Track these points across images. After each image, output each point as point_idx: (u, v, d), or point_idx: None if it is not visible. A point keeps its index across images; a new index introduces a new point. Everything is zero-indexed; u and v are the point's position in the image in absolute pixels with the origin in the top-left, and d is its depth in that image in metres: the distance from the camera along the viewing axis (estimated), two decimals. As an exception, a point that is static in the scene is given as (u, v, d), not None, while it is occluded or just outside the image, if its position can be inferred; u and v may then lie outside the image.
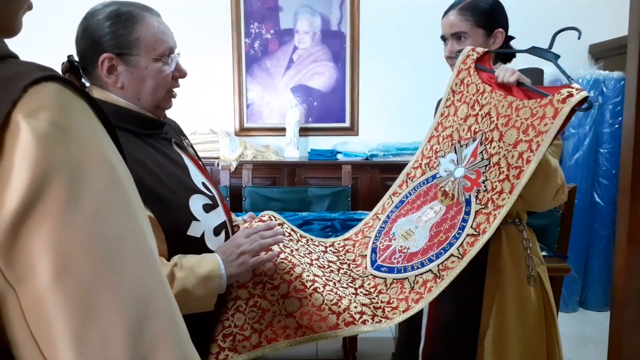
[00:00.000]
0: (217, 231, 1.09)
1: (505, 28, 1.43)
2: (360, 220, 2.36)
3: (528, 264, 1.34)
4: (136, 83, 1.04)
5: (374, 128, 3.46)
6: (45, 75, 0.41)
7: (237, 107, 3.48)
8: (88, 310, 0.38)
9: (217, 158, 3.19)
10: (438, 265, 1.15)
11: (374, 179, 3.15)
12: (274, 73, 3.46)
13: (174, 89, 1.12)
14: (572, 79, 1.19)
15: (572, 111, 1.10)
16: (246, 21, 3.40)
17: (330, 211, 2.69)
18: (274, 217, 1.27)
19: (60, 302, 0.37)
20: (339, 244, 1.40)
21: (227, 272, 1.01)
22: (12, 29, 0.47)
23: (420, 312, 1.43)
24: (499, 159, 1.19)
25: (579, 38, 1.23)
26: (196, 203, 1.06)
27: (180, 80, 1.13)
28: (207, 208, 1.08)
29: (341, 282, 1.22)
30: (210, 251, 1.06)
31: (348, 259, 1.34)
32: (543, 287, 1.37)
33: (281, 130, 3.40)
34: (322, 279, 1.16)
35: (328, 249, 1.36)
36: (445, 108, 1.41)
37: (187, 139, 1.28)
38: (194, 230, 1.03)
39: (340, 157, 3.26)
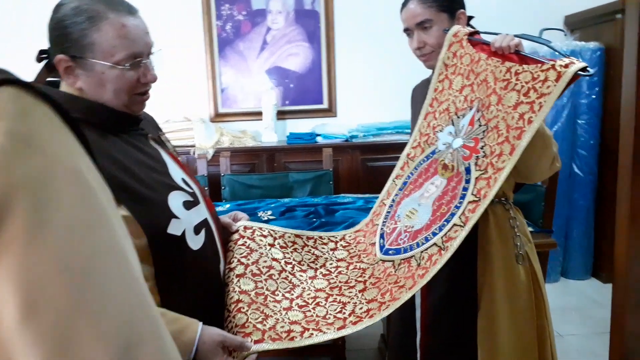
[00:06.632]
0: (197, 229, 1.05)
1: (464, 7, 1.43)
2: (344, 203, 2.35)
3: (516, 242, 1.33)
4: (94, 87, 0.97)
5: (353, 109, 3.41)
6: None
7: (211, 92, 3.38)
8: (65, 348, 0.33)
9: (193, 146, 3.10)
10: (442, 237, 1.14)
11: (355, 160, 3.11)
12: (248, 55, 3.36)
13: (145, 92, 1.03)
14: (568, 55, 1.16)
15: (574, 78, 1.08)
16: (217, 2, 3.28)
17: (313, 196, 2.64)
18: (273, 232, 1.25)
19: (30, 342, 0.33)
20: (350, 236, 1.37)
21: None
22: None
23: (413, 304, 1.41)
24: (498, 122, 1.17)
25: (565, 35, 1.22)
26: (176, 200, 1.01)
27: (155, 65, 1.05)
28: (188, 205, 1.04)
29: (349, 281, 1.20)
30: (190, 250, 1.01)
31: (359, 250, 1.31)
32: (531, 265, 1.36)
33: (258, 115, 3.32)
34: (324, 292, 1.15)
35: (338, 245, 1.33)
36: (438, 83, 1.37)
37: (163, 134, 1.21)
38: (174, 229, 0.98)
39: (319, 139, 3.20)
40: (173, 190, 1.02)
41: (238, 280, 1.09)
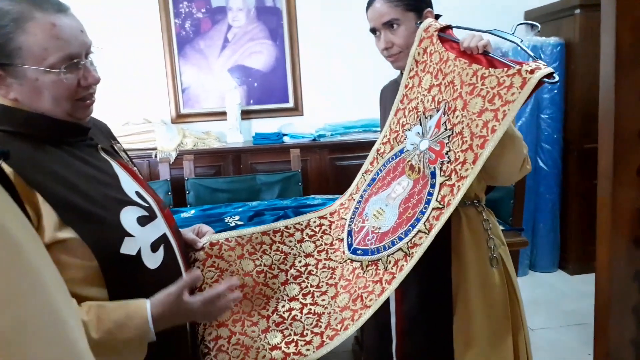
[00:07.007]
0: (154, 246, 0.97)
1: (431, 6, 1.40)
2: (313, 205, 2.30)
3: (489, 245, 1.31)
4: (30, 96, 0.87)
5: (320, 107, 3.35)
6: None
7: (172, 92, 3.25)
8: None
9: (155, 149, 2.97)
10: (407, 243, 1.12)
11: (323, 159, 3.05)
12: (209, 54, 3.25)
13: (89, 96, 0.94)
14: (537, 58, 1.14)
15: (539, 83, 1.06)
16: (174, 0, 3.15)
17: (281, 198, 2.57)
18: (240, 238, 1.20)
19: None
20: (314, 222, 1.34)
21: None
22: None
23: (388, 310, 1.37)
24: (462, 128, 1.14)
25: (538, 31, 1.19)
26: (129, 216, 0.93)
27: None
28: (143, 221, 0.96)
29: (320, 285, 1.18)
30: (147, 270, 0.93)
31: (325, 243, 1.29)
32: (505, 268, 1.34)
33: (221, 115, 3.22)
34: (298, 300, 1.13)
35: (304, 234, 1.30)
36: (409, 79, 1.34)
37: (118, 143, 1.12)
38: (128, 248, 0.90)
39: (286, 139, 3.14)
40: (126, 206, 0.94)
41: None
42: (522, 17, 3.47)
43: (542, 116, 3.16)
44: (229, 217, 2.13)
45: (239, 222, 2.08)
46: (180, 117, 3.28)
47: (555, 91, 3.12)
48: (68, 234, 0.84)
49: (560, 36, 3.14)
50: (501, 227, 1.87)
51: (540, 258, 3.25)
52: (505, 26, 1.30)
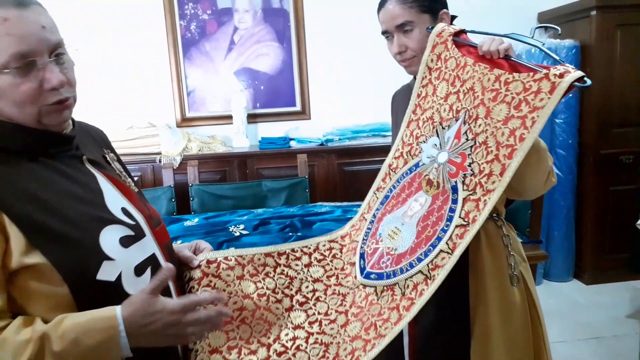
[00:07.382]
0: (139, 270, 0.87)
1: (447, 7, 1.32)
2: (321, 213, 2.23)
3: (510, 262, 1.23)
4: None
5: (328, 111, 3.27)
6: None
7: (177, 95, 3.20)
8: None
9: (159, 153, 2.91)
10: (427, 265, 1.03)
11: (331, 165, 2.98)
12: (215, 56, 3.18)
13: (60, 101, 0.84)
14: (562, 61, 1.05)
15: (569, 88, 0.98)
16: (179, 1, 3.10)
17: (288, 205, 2.50)
18: (241, 258, 1.11)
19: None
20: (324, 245, 1.25)
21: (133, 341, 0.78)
22: None
23: (400, 332, 1.30)
24: (486, 137, 1.06)
25: (559, 34, 1.11)
26: (110, 237, 0.84)
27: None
28: (127, 241, 0.86)
29: (329, 313, 1.09)
30: (128, 296, 0.83)
31: (335, 268, 1.20)
32: (526, 286, 1.26)
33: (227, 119, 3.16)
34: (303, 329, 1.04)
35: (313, 257, 1.21)
36: (421, 88, 1.25)
37: (111, 152, 1.04)
38: (105, 273, 0.81)
39: (293, 144, 3.07)
40: (107, 225, 0.85)
41: (207, 336, 0.98)
42: (535, 19, 3.38)
43: (557, 121, 3.07)
44: (233, 226, 2.06)
45: (244, 232, 2.01)
46: (185, 121, 3.22)
47: (571, 95, 3.02)
48: (37, 259, 0.76)
49: (575, 38, 3.04)
50: (519, 239, 1.80)
51: (554, 267, 3.15)
52: (518, 28, 1.22)
